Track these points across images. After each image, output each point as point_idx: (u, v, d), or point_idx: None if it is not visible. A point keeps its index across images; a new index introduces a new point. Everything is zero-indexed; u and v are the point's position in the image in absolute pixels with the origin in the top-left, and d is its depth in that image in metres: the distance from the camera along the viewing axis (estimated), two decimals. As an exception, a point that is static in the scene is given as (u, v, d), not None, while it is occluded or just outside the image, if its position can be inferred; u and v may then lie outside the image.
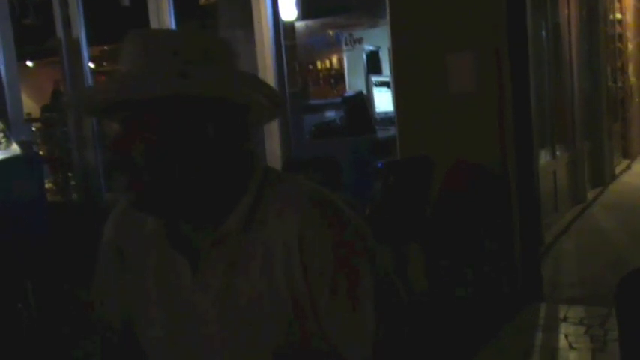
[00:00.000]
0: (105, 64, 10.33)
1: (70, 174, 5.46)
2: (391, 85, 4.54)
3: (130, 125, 1.09)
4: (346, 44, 7.87)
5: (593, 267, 4.48)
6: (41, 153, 5.43)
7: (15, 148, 4.28)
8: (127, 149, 1.08)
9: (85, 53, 4.93)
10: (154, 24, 4.61)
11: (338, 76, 8.41)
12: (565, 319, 3.60)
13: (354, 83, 7.81)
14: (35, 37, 7.33)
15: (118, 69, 1.12)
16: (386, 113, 5.63)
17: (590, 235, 5.41)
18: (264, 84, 1.17)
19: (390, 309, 1.14)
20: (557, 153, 5.79)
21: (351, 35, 7.79)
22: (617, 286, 1.22)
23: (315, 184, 1.18)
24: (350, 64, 8.05)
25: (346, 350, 1.13)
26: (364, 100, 5.50)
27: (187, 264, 1.14)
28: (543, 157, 5.37)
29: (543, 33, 5.52)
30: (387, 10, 3.91)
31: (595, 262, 4.58)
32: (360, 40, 7.73)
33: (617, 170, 7.86)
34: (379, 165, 4.43)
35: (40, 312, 3.52)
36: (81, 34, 4.85)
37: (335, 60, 8.47)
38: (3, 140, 4.17)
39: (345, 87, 8.00)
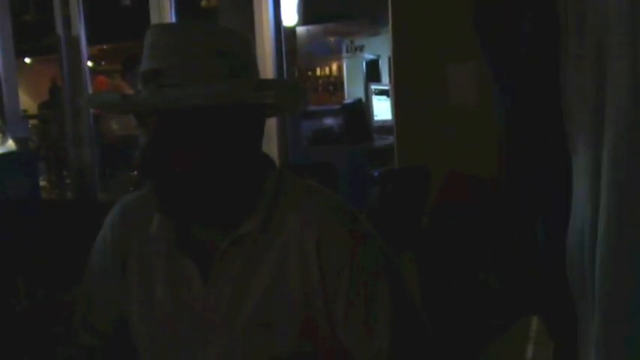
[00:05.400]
0: (103, 63, 10.32)
1: (64, 172, 5.43)
2: (390, 93, 4.53)
3: (169, 132, 1.04)
4: (347, 51, 7.88)
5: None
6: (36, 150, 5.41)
7: (10, 145, 4.26)
8: (167, 158, 1.04)
9: (85, 52, 4.90)
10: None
11: (337, 83, 8.41)
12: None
13: (353, 91, 7.81)
14: (33, 34, 7.31)
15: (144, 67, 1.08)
16: (384, 122, 5.63)
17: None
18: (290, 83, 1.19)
19: (407, 321, 1.14)
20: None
21: (352, 42, 7.79)
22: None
23: (330, 190, 1.18)
24: (349, 71, 8.06)
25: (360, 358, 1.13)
26: (363, 108, 5.50)
27: (197, 270, 1.12)
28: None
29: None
30: (390, 19, 3.90)
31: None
32: (361, 48, 7.74)
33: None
34: (376, 173, 4.41)
35: (30, 309, 3.49)
36: (80, 32, 4.82)
37: (334, 67, 8.48)
38: (-1, 136, 4.15)
39: (343, 94, 8.00)
